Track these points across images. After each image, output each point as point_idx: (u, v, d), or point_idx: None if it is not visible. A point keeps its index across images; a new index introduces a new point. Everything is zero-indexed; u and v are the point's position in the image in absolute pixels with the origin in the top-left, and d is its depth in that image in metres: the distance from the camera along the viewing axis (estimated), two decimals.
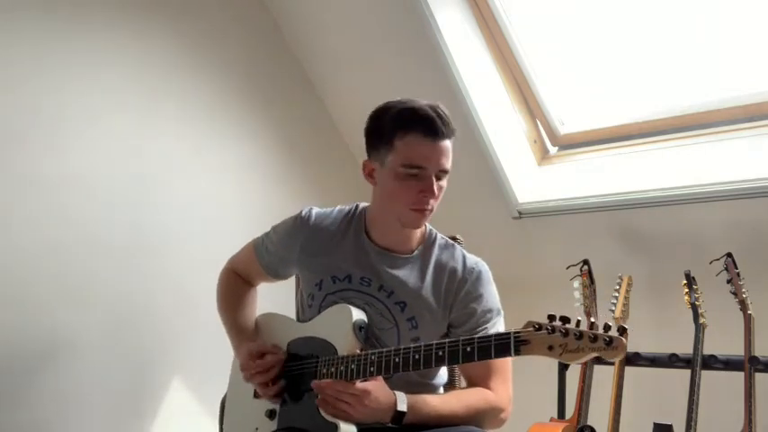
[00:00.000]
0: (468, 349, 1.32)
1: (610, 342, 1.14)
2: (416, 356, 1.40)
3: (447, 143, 1.53)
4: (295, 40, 2.87)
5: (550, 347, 1.20)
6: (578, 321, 1.18)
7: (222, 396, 1.83)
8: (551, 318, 1.21)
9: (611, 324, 1.16)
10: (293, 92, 2.89)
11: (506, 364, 1.61)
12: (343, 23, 2.77)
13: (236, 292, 1.84)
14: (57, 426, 2.13)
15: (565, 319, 1.20)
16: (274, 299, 1.92)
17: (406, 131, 1.50)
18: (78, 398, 2.18)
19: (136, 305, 2.33)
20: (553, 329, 1.20)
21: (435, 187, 1.53)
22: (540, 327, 1.21)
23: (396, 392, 1.47)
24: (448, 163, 1.54)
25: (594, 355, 1.16)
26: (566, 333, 1.18)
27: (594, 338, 1.15)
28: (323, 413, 1.47)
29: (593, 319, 1.17)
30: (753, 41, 2.32)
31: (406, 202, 1.54)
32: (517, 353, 1.24)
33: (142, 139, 2.40)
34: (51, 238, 2.15)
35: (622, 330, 1.14)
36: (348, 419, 1.45)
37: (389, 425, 1.46)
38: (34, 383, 2.10)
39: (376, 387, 1.45)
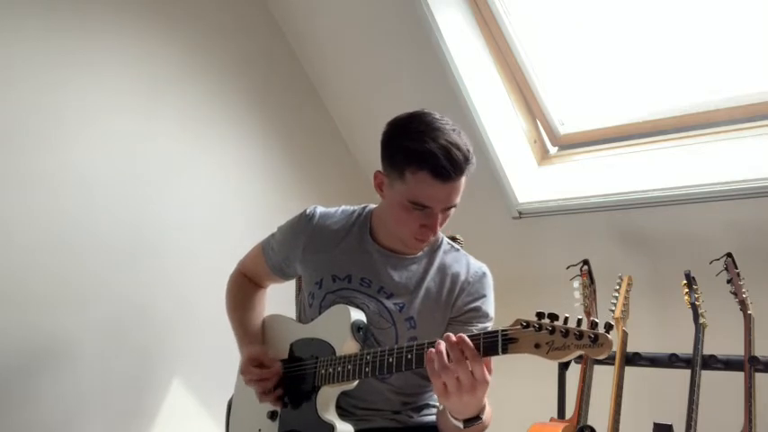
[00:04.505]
0: None
1: (595, 339, 1.13)
2: (409, 356, 1.39)
3: (459, 181, 1.50)
4: (296, 41, 2.88)
5: (537, 345, 1.18)
6: (566, 318, 1.17)
7: (225, 395, 1.84)
8: (540, 315, 1.20)
9: (598, 321, 1.15)
10: (293, 92, 2.90)
11: None
12: (344, 24, 2.77)
13: (244, 292, 1.85)
14: (56, 426, 2.14)
15: (553, 317, 1.19)
16: (276, 300, 1.92)
17: (418, 168, 1.47)
18: (77, 398, 2.18)
19: (135, 305, 2.33)
20: (540, 327, 1.18)
21: (439, 221, 1.54)
22: (527, 324, 1.20)
23: None
24: (457, 199, 1.53)
25: (580, 352, 1.14)
26: (552, 330, 1.17)
27: (580, 335, 1.14)
28: (427, 365, 1.29)
29: (580, 317, 1.16)
30: (753, 41, 2.31)
31: (409, 231, 1.56)
32: (504, 351, 1.22)
33: (142, 139, 2.40)
34: (51, 238, 2.16)
35: (608, 327, 1.13)
36: (443, 392, 1.27)
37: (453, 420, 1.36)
38: (33, 383, 2.11)
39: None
